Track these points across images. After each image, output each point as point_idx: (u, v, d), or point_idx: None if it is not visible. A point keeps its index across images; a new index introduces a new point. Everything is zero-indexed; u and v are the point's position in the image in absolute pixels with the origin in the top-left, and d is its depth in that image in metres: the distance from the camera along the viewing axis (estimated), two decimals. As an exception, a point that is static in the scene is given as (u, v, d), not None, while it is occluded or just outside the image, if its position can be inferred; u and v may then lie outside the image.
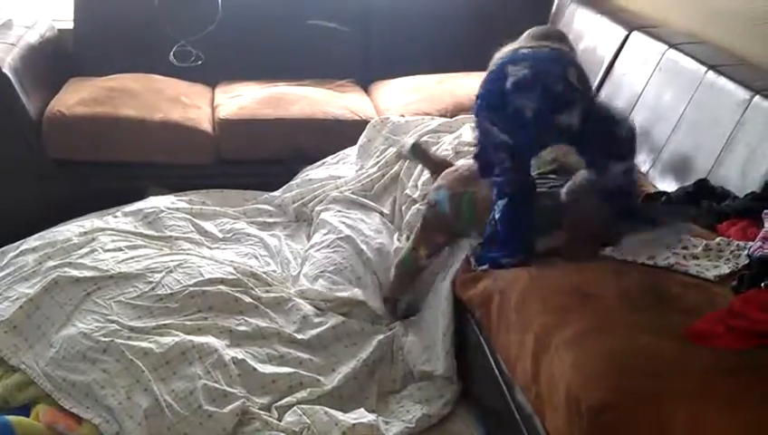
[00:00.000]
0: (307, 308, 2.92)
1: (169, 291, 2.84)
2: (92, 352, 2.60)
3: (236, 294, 2.88)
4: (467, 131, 3.44)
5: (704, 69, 3.08)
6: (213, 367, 2.61)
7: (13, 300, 2.80)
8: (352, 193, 3.45)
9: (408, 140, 3.28)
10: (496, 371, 2.48)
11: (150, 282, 2.87)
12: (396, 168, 3.46)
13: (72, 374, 2.58)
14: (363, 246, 3.13)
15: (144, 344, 2.62)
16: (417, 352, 2.82)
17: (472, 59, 4.30)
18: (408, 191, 3.31)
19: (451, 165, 2.99)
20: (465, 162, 2.92)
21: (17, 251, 3.11)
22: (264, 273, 3.08)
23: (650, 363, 1.92)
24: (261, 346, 2.76)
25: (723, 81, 2.98)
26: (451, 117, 3.76)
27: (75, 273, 2.87)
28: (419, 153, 3.18)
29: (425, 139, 3.50)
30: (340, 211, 3.35)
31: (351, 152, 3.73)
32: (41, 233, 3.21)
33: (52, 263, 2.95)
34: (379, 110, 4.05)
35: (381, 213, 3.38)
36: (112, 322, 2.70)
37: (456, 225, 2.77)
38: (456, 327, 2.76)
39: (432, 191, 2.85)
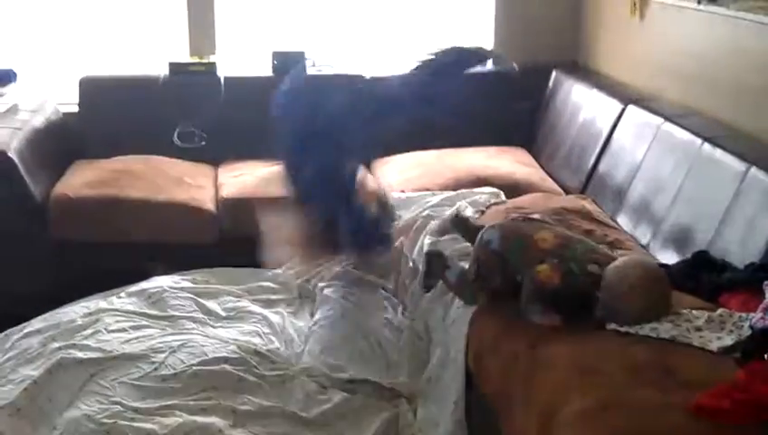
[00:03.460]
0: (311, 386, 2.91)
1: (173, 371, 2.84)
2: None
3: (240, 374, 2.87)
4: (464, 206, 3.48)
5: (699, 141, 3.13)
6: (218, 448, 2.59)
7: (17, 383, 2.80)
8: (354, 268, 3.46)
9: (447, 213, 3.28)
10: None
11: (154, 362, 2.88)
12: (397, 243, 3.48)
13: None
14: (366, 322, 3.13)
15: (148, 426, 2.60)
16: (429, 430, 2.79)
17: (472, 135, 4.41)
18: (411, 265, 3.33)
19: None
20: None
21: (21, 333, 3.11)
22: (268, 351, 3.07)
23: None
24: (264, 426, 2.74)
25: (719, 152, 3.02)
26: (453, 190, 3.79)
27: (79, 354, 2.88)
28: (460, 224, 3.16)
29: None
30: (343, 287, 3.36)
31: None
32: (45, 315, 3.22)
33: (56, 344, 2.96)
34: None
35: (384, 287, 3.39)
36: (116, 403, 2.69)
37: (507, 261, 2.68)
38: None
39: (486, 231, 2.80)
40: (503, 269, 2.63)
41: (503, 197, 3.69)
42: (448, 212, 3.35)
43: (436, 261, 2.88)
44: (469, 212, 3.46)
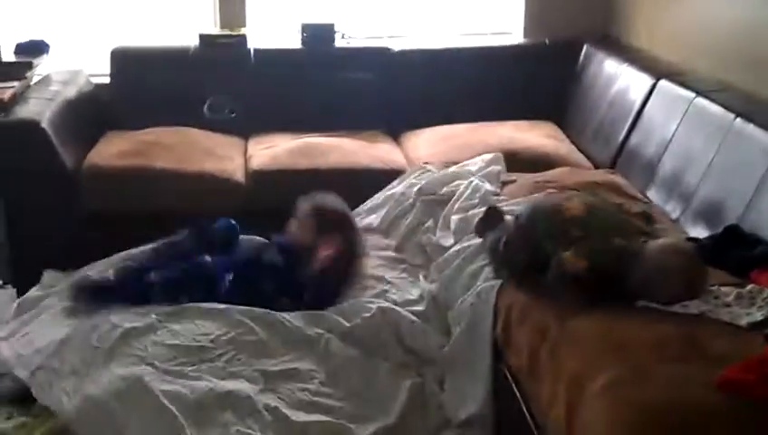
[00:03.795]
0: (334, 344, 2.93)
1: (205, 331, 2.88)
2: (126, 395, 2.61)
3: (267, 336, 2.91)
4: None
5: (732, 116, 3.10)
6: (246, 414, 2.62)
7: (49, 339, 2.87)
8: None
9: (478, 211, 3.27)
10: (530, 419, 2.48)
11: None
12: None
13: (105, 417, 2.59)
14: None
15: (178, 389, 2.63)
16: (457, 401, 2.81)
17: (502, 108, 4.40)
18: (433, 240, 3.35)
19: None
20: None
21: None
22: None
23: (682, 413, 1.91)
24: (293, 390, 2.76)
25: (751, 127, 2.99)
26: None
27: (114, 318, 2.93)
28: (496, 216, 3.10)
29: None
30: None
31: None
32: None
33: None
34: (409, 159, 4.09)
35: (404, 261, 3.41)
36: (148, 364, 2.72)
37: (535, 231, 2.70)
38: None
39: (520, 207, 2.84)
40: (530, 244, 2.64)
41: (502, 162, 3.74)
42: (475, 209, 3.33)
43: (492, 214, 2.97)
44: (488, 186, 3.46)
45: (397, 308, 3.03)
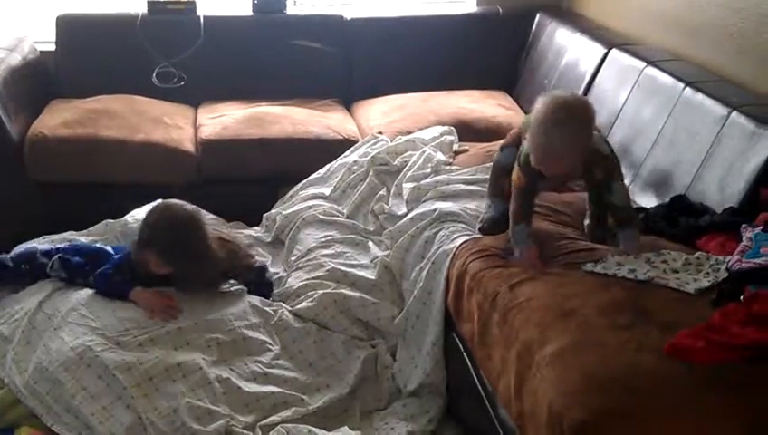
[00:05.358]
0: (288, 317, 2.92)
1: None
2: (75, 366, 2.58)
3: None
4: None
5: (681, 85, 3.12)
6: (197, 385, 2.61)
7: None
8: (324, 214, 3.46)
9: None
10: (480, 387, 2.49)
11: None
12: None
13: (54, 387, 2.57)
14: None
15: (128, 359, 2.60)
16: (408, 370, 2.82)
17: (455, 77, 4.39)
18: (387, 209, 3.35)
19: None
20: None
21: None
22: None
23: (630, 380, 1.93)
24: (246, 362, 2.75)
25: (700, 97, 3.01)
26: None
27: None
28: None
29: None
30: (308, 234, 3.37)
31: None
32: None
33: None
34: (361, 129, 4.07)
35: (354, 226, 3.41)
36: (99, 335, 2.68)
37: None
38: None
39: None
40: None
41: (455, 133, 3.74)
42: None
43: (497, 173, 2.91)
44: (440, 156, 3.47)
45: (342, 291, 3.00)
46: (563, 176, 2.68)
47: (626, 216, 2.58)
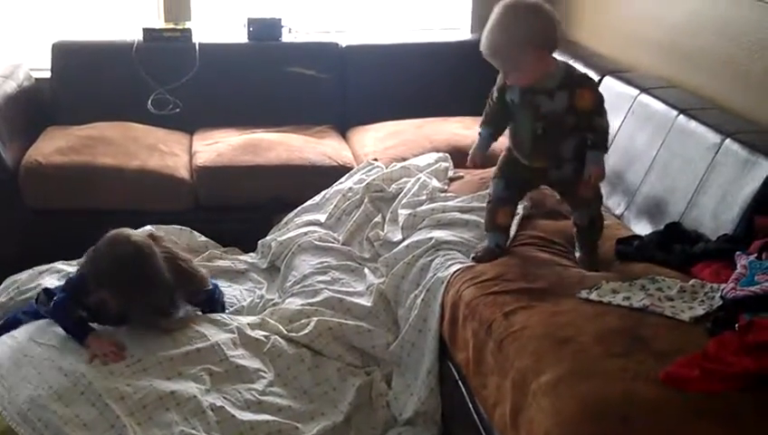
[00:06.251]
0: (282, 344, 2.91)
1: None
2: (69, 393, 2.57)
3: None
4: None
5: (675, 112, 3.13)
6: (191, 414, 2.59)
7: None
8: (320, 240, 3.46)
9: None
10: (475, 415, 2.48)
11: None
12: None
13: (46, 415, 2.53)
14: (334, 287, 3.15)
15: (121, 388, 2.59)
16: (403, 398, 2.81)
17: (449, 104, 4.40)
18: (382, 235, 3.34)
19: None
20: None
21: None
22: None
23: (626, 408, 1.93)
24: (240, 390, 2.74)
25: (694, 124, 3.02)
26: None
27: None
28: None
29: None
30: (304, 260, 3.36)
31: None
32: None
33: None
34: (357, 155, 4.08)
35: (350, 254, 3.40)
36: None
37: None
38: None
39: None
40: None
41: (449, 160, 3.74)
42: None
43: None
44: (435, 183, 3.47)
45: (337, 318, 3.00)
46: (533, 91, 2.68)
47: (600, 140, 2.67)
